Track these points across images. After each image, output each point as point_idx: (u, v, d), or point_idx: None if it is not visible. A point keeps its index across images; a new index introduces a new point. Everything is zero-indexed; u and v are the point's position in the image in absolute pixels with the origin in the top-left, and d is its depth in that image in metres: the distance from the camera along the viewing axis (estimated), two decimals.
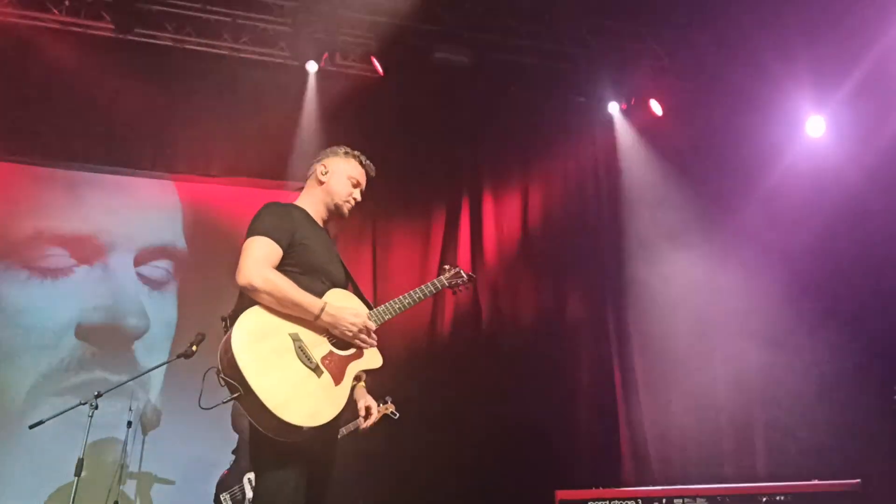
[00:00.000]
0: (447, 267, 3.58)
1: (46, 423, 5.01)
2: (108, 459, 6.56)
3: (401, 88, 7.10)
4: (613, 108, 7.48)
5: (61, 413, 5.08)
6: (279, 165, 7.03)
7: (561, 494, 5.19)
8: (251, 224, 3.03)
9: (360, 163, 3.38)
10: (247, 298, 2.92)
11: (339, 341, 3.01)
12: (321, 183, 3.29)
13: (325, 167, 3.32)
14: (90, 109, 6.71)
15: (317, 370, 2.89)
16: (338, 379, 2.95)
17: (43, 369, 6.66)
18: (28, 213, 6.90)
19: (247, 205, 7.28)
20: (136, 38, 6.61)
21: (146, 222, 7.18)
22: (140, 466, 6.62)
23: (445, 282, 3.51)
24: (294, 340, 2.89)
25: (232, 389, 2.73)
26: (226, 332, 2.85)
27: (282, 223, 3.03)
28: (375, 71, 6.94)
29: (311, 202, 3.29)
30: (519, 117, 7.45)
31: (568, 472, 6.21)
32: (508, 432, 6.60)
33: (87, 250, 6.91)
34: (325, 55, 6.83)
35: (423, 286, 3.37)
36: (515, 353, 7.06)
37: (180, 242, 7.25)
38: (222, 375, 2.77)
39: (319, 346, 2.95)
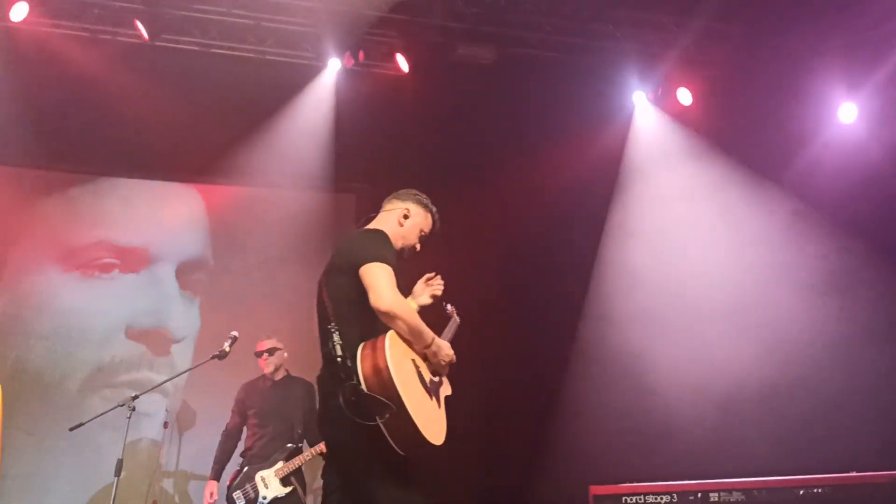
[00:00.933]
0: (449, 308, 3.84)
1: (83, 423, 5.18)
2: (147, 459, 6.73)
3: (424, 86, 7.10)
4: (640, 98, 7.43)
5: (100, 416, 5.23)
6: (302, 168, 7.10)
7: (595, 489, 5.16)
8: (370, 249, 3.12)
9: (433, 221, 3.52)
10: (365, 322, 3.03)
11: (434, 369, 3.19)
12: (400, 224, 3.39)
13: (407, 213, 3.45)
14: (122, 117, 6.85)
15: (429, 394, 3.11)
16: (438, 403, 3.19)
17: (95, 366, 7.12)
18: (90, 223, 7.42)
19: (270, 210, 7.55)
20: (164, 44, 6.67)
21: (184, 232, 7.61)
22: (177, 465, 6.75)
23: (458, 320, 3.82)
24: (415, 365, 3.07)
25: (378, 407, 2.82)
26: (339, 357, 2.94)
27: (394, 257, 3.18)
28: (399, 69, 6.95)
29: (391, 236, 3.33)
30: (543, 112, 7.41)
31: (601, 467, 6.20)
32: (542, 426, 6.60)
33: (135, 259, 7.42)
34: (349, 54, 6.85)
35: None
36: (548, 345, 7.05)
37: (207, 250, 7.64)
38: (370, 393, 2.84)
39: (426, 373, 3.14)
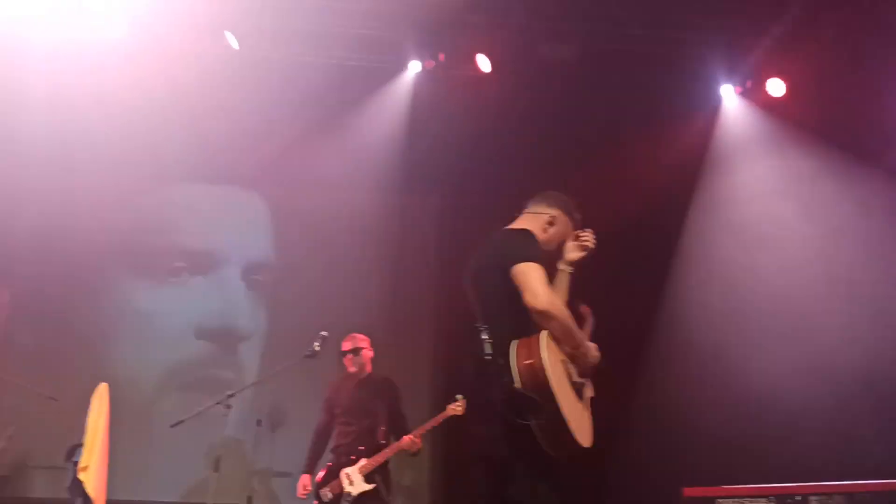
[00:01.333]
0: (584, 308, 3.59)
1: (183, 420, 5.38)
2: (237, 456, 6.94)
3: (506, 85, 7.07)
4: (727, 91, 7.24)
5: (199, 413, 5.40)
6: (378, 170, 7.19)
7: (688, 491, 5.05)
8: (521, 249, 3.10)
9: (576, 235, 3.44)
10: (515, 321, 3.01)
11: (581, 370, 3.16)
12: (544, 231, 3.35)
13: (553, 220, 3.39)
14: (200, 124, 7.02)
15: (578, 395, 3.09)
16: (585, 405, 3.17)
17: (168, 365, 7.47)
18: (159, 230, 7.76)
19: (342, 211, 7.67)
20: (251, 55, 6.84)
21: (249, 234, 7.93)
22: (264, 462, 6.92)
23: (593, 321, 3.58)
24: (565, 366, 3.05)
25: (532, 406, 2.82)
26: (489, 356, 2.93)
27: (542, 257, 3.14)
28: (479, 70, 6.95)
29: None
30: (627, 108, 7.28)
31: (695, 468, 6.06)
32: (634, 425, 6.50)
33: (203, 262, 7.74)
34: (429, 56, 6.90)
35: None
36: (644, 341, 6.94)
37: (272, 251, 7.94)
38: (525, 392, 2.84)
39: (574, 374, 3.11)
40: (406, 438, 5.43)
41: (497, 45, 6.83)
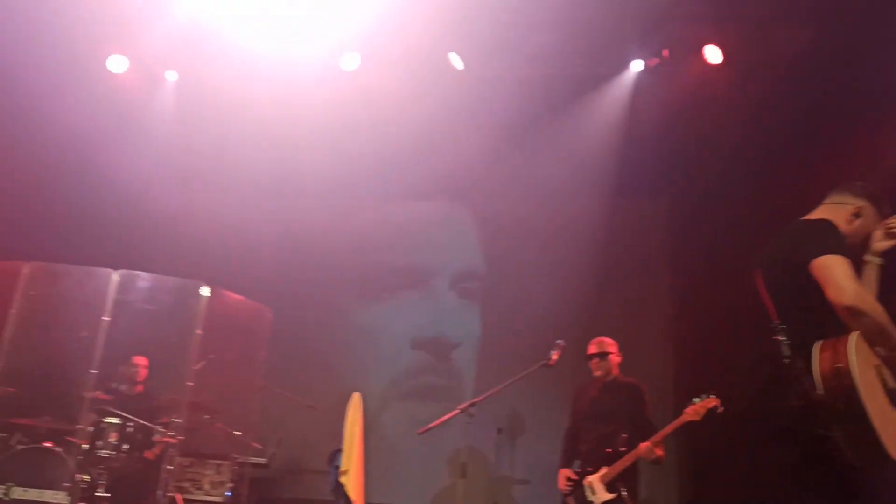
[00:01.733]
0: None
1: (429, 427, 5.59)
2: (479, 463, 7.10)
3: (736, 76, 6.70)
4: None
5: (445, 419, 5.58)
6: (595, 175, 7.09)
7: None
8: (822, 241, 2.89)
9: (885, 224, 3.14)
10: (817, 321, 2.83)
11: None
12: (848, 222, 3.10)
13: (859, 211, 3.13)
14: (419, 144, 7.34)
15: (892, 402, 2.83)
16: None
17: (390, 376, 7.93)
18: (373, 249, 8.31)
19: (553, 219, 7.69)
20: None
21: (455, 246, 8.25)
22: (503, 469, 7.03)
23: None
24: (878, 372, 2.84)
25: (834, 414, 2.66)
26: (786, 358, 2.76)
27: (846, 249, 2.92)
28: (706, 62, 6.64)
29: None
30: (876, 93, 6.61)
31: None
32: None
33: (416, 276, 8.20)
34: (652, 53, 6.72)
35: None
36: None
37: (481, 261, 8.18)
38: (827, 399, 2.69)
39: (889, 379, 2.88)
40: (643, 446, 5.23)
41: (728, 35, 6.48)
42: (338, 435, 6.25)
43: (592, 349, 5.70)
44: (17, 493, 5.71)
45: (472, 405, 5.46)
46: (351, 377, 7.69)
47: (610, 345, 5.70)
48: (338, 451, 6.22)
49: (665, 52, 6.72)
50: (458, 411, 5.44)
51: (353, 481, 5.97)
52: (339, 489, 6.03)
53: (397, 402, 7.79)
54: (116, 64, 7.27)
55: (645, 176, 7.55)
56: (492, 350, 7.67)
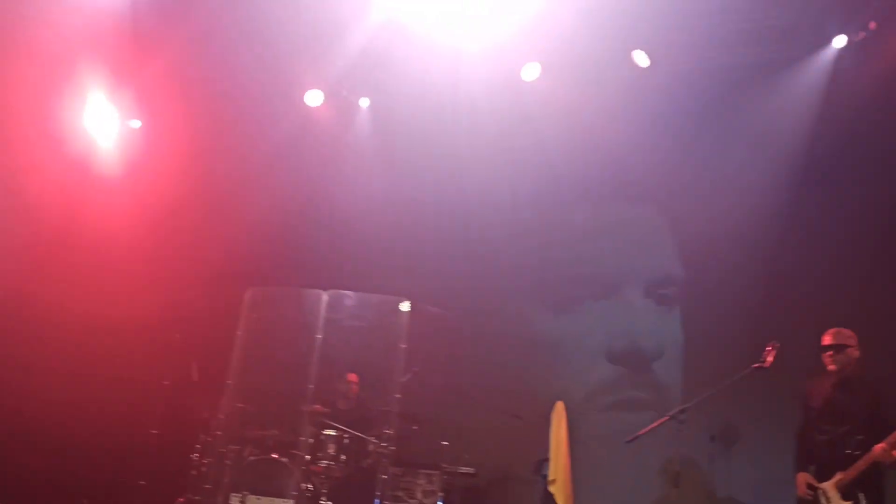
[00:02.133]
0: None
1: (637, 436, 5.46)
2: (693, 473, 6.83)
3: None
4: None
5: (654, 426, 5.43)
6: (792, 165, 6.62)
7: None
8: None
9: None
10: None
11: None
12: None
13: None
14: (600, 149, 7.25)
15: None
16: None
17: (586, 389, 7.68)
18: (561, 258, 8.05)
19: (752, 214, 7.08)
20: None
21: (648, 251, 7.83)
22: (720, 479, 6.72)
23: None
24: None
25: None
26: None
27: None
28: None
29: None
30: None
31: None
32: None
33: (605, 285, 7.87)
34: (857, 27, 6.25)
35: None
36: None
37: (678, 267, 7.68)
38: None
39: None
40: (877, 448, 4.75)
41: None
42: (540, 444, 6.26)
43: (828, 340, 5.17)
44: (252, 501, 6.19)
45: (682, 411, 5.28)
46: (543, 390, 7.59)
47: (849, 337, 5.15)
48: (544, 461, 6.22)
49: (872, 25, 6.21)
50: (667, 418, 5.29)
51: (561, 490, 5.95)
52: (549, 498, 6.03)
53: (596, 414, 7.61)
54: (313, 98, 7.79)
55: (850, 163, 6.96)
56: (698, 358, 7.29)
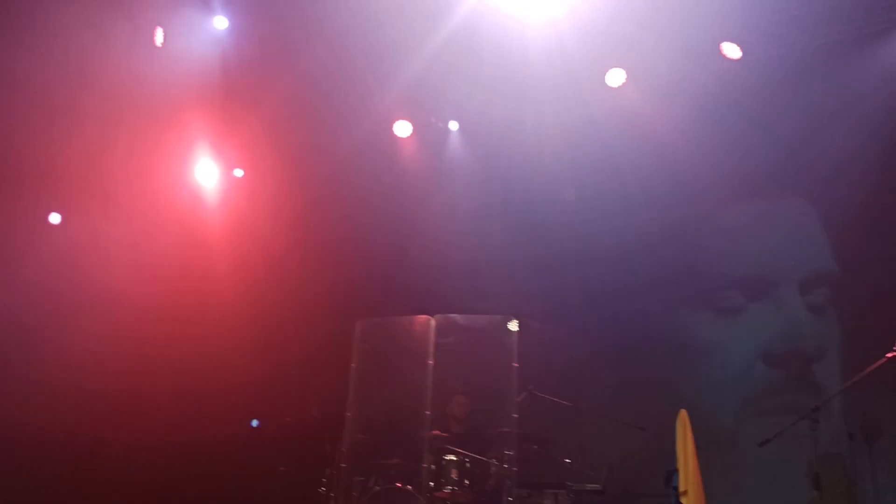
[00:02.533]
0: None
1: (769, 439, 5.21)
2: (836, 472, 6.46)
3: None
4: None
5: (785, 430, 5.19)
6: None
7: None
8: None
9: None
10: None
11: None
12: None
13: None
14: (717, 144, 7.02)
15: None
16: None
17: (742, 394, 7.39)
18: (710, 261, 7.77)
19: None
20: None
21: (802, 247, 7.38)
22: (865, 479, 6.38)
23: None
24: None
25: None
26: None
27: None
28: None
29: None
30: None
31: None
32: None
33: (758, 286, 7.47)
34: None
35: None
36: None
37: (832, 261, 7.20)
38: None
39: None
40: None
41: None
42: (668, 454, 6.05)
43: None
44: None
45: (815, 409, 5.05)
46: (690, 395, 7.35)
47: None
48: (673, 472, 5.99)
49: None
50: (799, 419, 5.12)
51: (693, 501, 5.70)
52: None
53: (755, 418, 7.24)
54: (402, 128, 7.91)
55: None
56: (858, 359, 6.79)
